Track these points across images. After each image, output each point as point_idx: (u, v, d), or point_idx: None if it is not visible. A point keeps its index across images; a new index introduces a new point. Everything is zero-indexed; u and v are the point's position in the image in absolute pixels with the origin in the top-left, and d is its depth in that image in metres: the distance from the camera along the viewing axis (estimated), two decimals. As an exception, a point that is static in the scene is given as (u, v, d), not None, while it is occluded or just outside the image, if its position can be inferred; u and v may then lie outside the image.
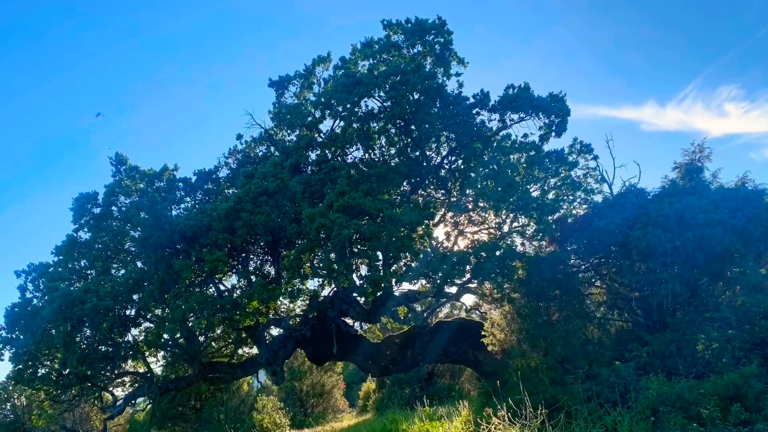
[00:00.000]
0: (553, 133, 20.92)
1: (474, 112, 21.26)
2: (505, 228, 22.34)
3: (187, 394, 30.82)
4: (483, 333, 20.24)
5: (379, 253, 19.12)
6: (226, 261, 20.00)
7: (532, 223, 21.04)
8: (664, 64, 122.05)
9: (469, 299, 27.82)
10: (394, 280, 20.09)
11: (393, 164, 21.27)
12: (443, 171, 22.90)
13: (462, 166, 22.04)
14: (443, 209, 23.03)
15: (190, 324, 21.20)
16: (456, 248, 22.06)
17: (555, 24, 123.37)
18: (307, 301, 23.13)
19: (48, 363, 22.31)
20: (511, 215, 21.68)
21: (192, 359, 23.90)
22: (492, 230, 22.50)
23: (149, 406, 28.34)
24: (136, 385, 25.18)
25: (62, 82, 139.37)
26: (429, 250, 21.05)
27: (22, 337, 21.16)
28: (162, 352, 25.92)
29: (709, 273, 16.46)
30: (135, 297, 21.05)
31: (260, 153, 24.93)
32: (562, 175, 21.76)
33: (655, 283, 16.16)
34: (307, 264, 20.74)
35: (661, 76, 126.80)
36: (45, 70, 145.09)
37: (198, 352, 23.81)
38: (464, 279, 21.53)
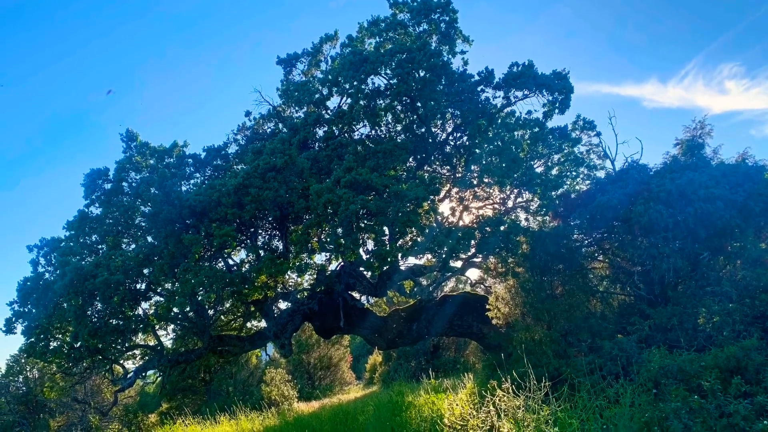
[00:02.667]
0: (557, 110, 21.08)
1: (479, 89, 21.40)
2: (510, 203, 22.58)
3: (197, 366, 31.35)
4: (487, 307, 20.57)
5: (385, 228, 19.36)
6: (234, 236, 20.25)
7: (536, 199, 21.29)
8: (665, 41, 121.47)
9: (474, 273, 28.10)
10: (400, 255, 20.40)
11: (399, 140, 21.45)
12: (448, 147, 23.07)
13: (467, 143, 22.20)
14: (448, 185, 23.23)
15: (200, 298, 21.51)
16: (461, 223, 22.32)
17: (557, 2, 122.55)
18: (315, 276, 23.42)
19: (60, 336, 22.63)
20: (516, 191, 21.93)
21: (201, 332, 24.21)
22: (496, 205, 22.74)
23: (159, 379, 28.83)
24: (147, 357, 25.47)
25: (73, 60, 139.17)
26: (434, 225, 21.33)
27: (34, 310, 21.48)
28: (172, 326, 26.23)
29: (710, 247, 16.70)
30: (145, 271, 21.33)
31: (268, 130, 25.02)
32: (565, 151, 21.95)
33: (657, 257, 16.41)
34: (315, 239, 21.05)
35: (662, 53, 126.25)
36: (56, 48, 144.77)
37: (207, 325, 24.09)
38: (469, 253, 21.79)
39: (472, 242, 20.01)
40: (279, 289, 23.70)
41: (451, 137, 22.97)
